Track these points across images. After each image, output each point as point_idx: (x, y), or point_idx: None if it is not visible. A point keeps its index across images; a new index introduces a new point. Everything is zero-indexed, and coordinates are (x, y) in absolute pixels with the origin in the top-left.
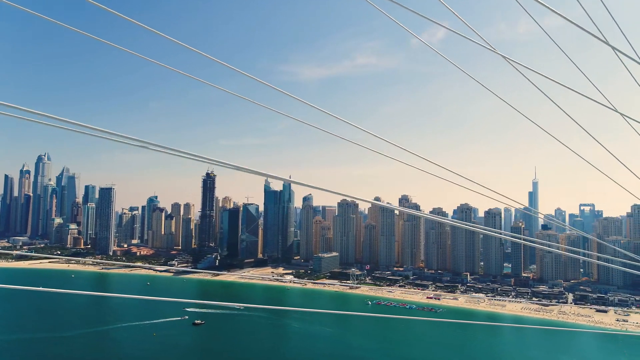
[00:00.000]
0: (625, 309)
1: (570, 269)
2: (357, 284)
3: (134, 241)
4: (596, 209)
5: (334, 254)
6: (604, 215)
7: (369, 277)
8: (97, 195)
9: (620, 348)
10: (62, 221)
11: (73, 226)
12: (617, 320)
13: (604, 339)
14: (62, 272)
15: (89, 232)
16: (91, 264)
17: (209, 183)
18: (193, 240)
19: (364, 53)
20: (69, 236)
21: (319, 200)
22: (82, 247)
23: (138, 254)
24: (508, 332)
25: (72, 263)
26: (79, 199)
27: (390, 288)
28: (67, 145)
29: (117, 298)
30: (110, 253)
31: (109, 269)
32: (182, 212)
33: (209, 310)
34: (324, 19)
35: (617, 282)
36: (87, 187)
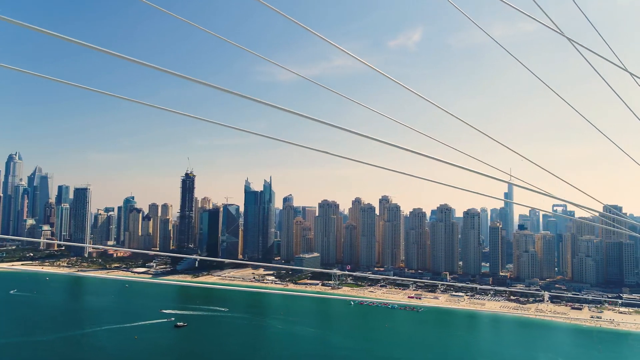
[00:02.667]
0: (598, 306)
1: (545, 268)
2: (339, 284)
3: (110, 242)
4: (568, 209)
5: (315, 254)
6: (576, 216)
7: (350, 278)
8: (71, 196)
9: (595, 344)
10: (34, 222)
11: (46, 227)
12: (592, 317)
13: (579, 335)
14: (36, 275)
15: (62, 233)
16: (66, 266)
17: (188, 183)
18: (171, 242)
19: (341, 55)
20: (42, 238)
21: (299, 201)
22: (56, 249)
23: (115, 255)
24: (488, 330)
25: (45, 265)
26: (52, 199)
27: (372, 288)
28: (39, 144)
29: (92, 301)
30: (86, 255)
31: (84, 271)
32: (159, 213)
33: (191, 313)
34: (301, 19)
35: (590, 280)
36: (60, 188)
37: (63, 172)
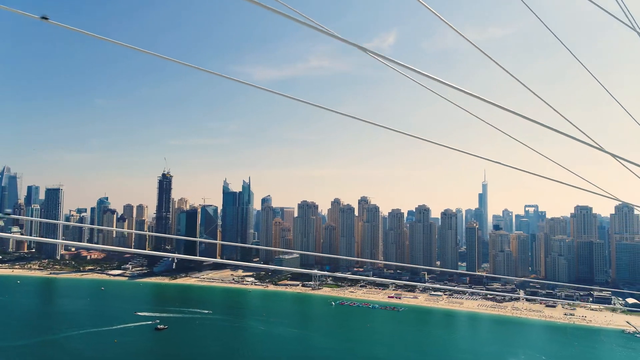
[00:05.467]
0: (571, 304)
1: (520, 267)
2: (319, 285)
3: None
4: (540, 209)
5: (295, 255)
6: (548, 216)
7: (330, 278)
8: (41, 196)
9: (569, 340)
10: (2, 224)
11: (15, 229)
12: (565, 314)
13: (554, 331)
14: (6, 278)
15: (33, 235)
16: (37, 269)
17: (165, 184)
18: (147, 243)
19: (317, 55)
20: (11, 240)
21: (277, 202)
22: (26, 251)
23: (88, 257)
24: (467, 328)
25: (16, 268)
26: (21, 200)
27: (352, 289)
28: (7, 143)
29: (68, 304)
30: (58, 257)
31: (57, 273)
32: (135, 214)
33: (172, 315)
34: (276, 20)
35: (563, 278)
36: (30, 188)
37: (33, 172)
